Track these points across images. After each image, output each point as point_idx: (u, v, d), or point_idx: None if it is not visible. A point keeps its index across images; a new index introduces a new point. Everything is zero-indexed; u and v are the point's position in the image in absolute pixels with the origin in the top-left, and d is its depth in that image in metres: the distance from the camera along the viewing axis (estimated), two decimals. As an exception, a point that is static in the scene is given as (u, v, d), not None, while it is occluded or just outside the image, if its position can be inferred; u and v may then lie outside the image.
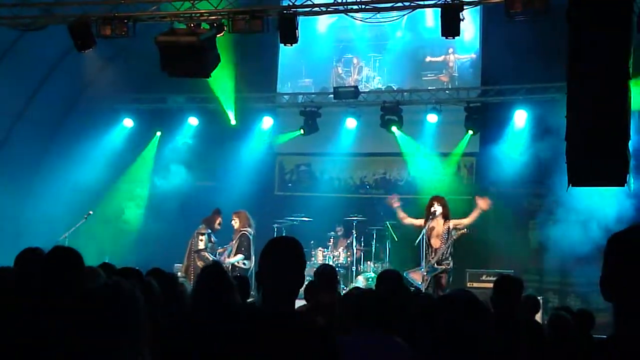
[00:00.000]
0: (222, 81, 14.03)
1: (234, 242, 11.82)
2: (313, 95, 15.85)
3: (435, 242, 11.46)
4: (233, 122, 15.57)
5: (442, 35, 9.89)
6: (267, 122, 15.97)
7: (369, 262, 13.76)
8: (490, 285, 5.98)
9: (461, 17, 9.63)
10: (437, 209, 11.47)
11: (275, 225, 13.85)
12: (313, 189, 16.27)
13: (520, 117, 14.13)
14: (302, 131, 15.19)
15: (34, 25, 10.79)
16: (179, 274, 12.37)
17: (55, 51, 13.04)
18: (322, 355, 2.99)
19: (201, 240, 11.73)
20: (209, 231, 11.99)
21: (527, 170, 13.79)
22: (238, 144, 15.86)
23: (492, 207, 11.82)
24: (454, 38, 9.98)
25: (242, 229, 11.64)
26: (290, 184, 16.82)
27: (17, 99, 13.93)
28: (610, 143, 6.97)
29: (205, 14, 10.44)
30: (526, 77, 13.55)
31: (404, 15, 10.77)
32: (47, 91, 14.16)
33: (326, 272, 6.15)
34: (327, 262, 12.63)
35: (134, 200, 14.81)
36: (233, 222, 11.85)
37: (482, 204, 11.52)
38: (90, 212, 12.11)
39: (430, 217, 11.48)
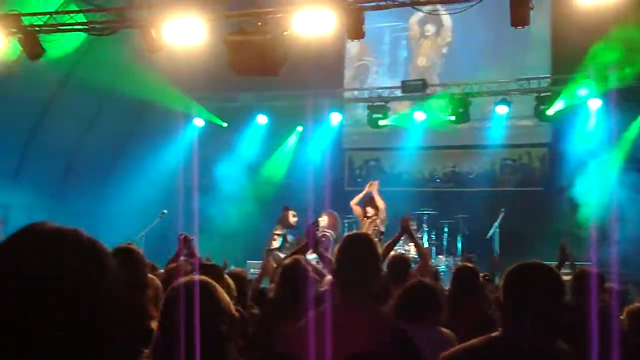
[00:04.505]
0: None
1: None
2: (380, 90, 15.80)
3: None
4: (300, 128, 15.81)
5: (512, 24, 9.63)
6: (335, 118, 16.02)
7: (440, 256, 13.64)
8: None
9: (531, 5, 9.40)
10: (370, 211, 11.70)
11: (346, 220, 13.76)
12: (382, 184, 16.08)
13: (594, 106, 13.74)
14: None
15: (106, 30, 10.98)
16: (252, 270, 12.54)
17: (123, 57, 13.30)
18: (401, 352, 2.96)
19: (275, 240, 11.74)
20: (285, 231, 11.96)
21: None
22: (307, 140, 15.96)
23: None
24: (523, 27, 9.73)
25: (325, 230, 11.58)
26: (359, 179, 16.80)
27: (90, 105, 14.43)
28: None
29: (271, 13, 10.50)
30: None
31: (472, 5, 10.58)
32: (118, 95, 14.44)
33: (396, 263, 6.09)
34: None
35: (208, 197, 14.96)
36: (321, 219, 11.77)
37: (368, 187, 12.06)
38: (165, 211, 12.20)
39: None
